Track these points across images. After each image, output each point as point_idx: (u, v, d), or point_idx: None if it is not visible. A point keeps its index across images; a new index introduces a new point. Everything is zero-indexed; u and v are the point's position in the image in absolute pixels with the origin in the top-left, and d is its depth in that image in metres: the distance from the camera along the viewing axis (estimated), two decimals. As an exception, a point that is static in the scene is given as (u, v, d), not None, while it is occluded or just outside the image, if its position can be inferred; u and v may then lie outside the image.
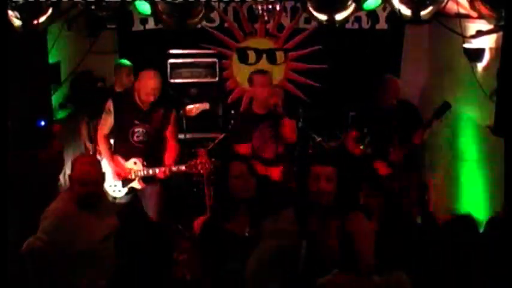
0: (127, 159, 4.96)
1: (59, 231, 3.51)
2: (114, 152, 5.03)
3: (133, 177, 4.94)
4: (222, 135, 6.11)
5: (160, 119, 4.95)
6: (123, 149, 4.98)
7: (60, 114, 5.71)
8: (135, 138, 4.92)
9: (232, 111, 6.47)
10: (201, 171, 4.92)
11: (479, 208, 4.82)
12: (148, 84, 4.83)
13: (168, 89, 6.28)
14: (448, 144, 5.60)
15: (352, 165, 5.61)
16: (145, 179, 4.96)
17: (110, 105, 4.93)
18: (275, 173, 5.03)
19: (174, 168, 4.90)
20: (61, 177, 5.37)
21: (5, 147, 3.18)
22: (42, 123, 4.99)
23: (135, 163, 4.93)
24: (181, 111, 5.69)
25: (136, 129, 4.91)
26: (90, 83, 6.04)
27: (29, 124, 4.85)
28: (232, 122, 5.97)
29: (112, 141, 5.10)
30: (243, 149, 4.99)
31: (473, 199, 5.04)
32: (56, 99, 5.57)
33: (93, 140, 5.68)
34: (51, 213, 3.62)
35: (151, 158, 4.96)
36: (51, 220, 3.55)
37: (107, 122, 4.97)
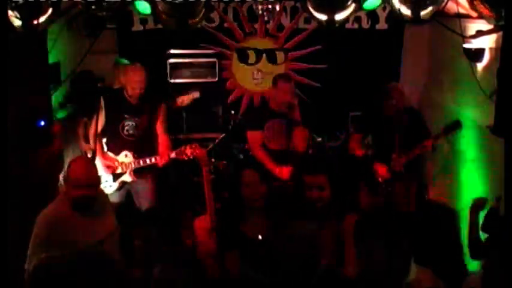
0: (118, 153, 5.08)
1: (50, 237, 3.47)
2: (107, 147, 5.16)
3: (123, 170, 5.05)
4: (222, 135, 6.11)
5: (149, 112, 5.08)
6: (114, 143, 5.12)
7: (60, 114, 5.69)
8: (125, 131, 5.07)
9: (232, 111, 6.48)
10: (191, 156, 4.97)
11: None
12: (132, 78, 4.98)
13: (169, 89, 6.31)
14: (448, 144, 5.59)
15: (351, 167, 5.62)
16: (136, 172, 5.06)
17: (101, 102, 5.07)
18: (284, 171, 5.11)
19: (172, 155, 4.99)
20: (61, 177, 5.36)
21: (5, 147, 3.17)
22: (42, 123, 4.99)
23: (126, 155, 5.07)
24: (174, 104, 5.73)
25: (126, 123, 5.06)
26: (90, 83, 6.03)
27: (29, 124, 4.84)
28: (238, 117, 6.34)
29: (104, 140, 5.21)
30: (255, 136, 5.23)
31: (473, 199, 5.02)
32: (56, 99, 5.55)
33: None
34: (43, 218, 3.59)
35: (142, 150, 5.07)
36: (42, 226, 3.53)
37: (99, 120, 5.08)
